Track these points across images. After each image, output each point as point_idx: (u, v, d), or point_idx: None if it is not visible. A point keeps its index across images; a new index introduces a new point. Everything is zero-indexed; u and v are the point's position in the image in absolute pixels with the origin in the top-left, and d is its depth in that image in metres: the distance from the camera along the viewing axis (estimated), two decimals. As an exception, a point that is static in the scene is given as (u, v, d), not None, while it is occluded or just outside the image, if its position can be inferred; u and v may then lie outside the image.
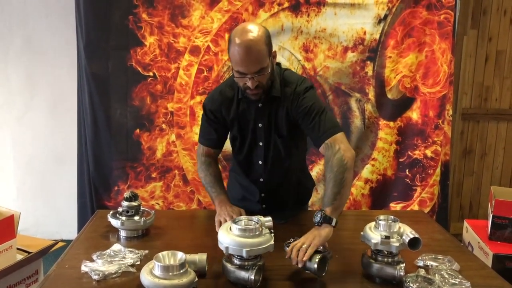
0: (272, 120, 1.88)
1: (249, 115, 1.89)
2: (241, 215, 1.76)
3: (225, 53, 3.13)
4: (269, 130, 1.89)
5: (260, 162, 1.96)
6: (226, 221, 1.73)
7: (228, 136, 2.04)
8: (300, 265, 1.45)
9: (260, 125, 1.89)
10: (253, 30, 1.68)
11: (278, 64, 1.92)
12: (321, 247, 1.51)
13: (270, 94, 1.83)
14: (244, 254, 1.37)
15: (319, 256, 1.43)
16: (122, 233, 1.80)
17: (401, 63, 3.20)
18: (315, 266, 1.41)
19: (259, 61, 1.68)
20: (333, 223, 1.55)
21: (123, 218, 1.79)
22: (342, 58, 3.19)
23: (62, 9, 3.37)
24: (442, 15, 3.14)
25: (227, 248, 1.39)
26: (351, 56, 3.19)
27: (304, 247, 1.47)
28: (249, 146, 1.94)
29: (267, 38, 1.72)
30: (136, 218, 1.80)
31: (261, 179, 1.99)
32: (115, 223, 1.78)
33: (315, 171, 3.29)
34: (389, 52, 3.19)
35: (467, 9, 3.58)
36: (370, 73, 3.22)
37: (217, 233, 1.47)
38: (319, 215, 1.56)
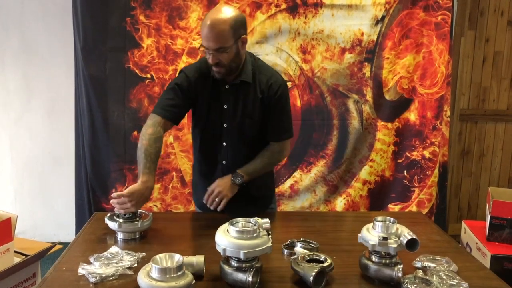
0: (240, 103, 1.96)
1: (217, 96, 1.97)
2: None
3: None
4: (234, 112, 1.97)
5: (224, 144, 2.02)
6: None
7: (192, 121, 2.10)
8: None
9: (225, 106, 1.97)
10: (224, 11, 1.82)
11: (253, 55, 2.03)
12: (323, 257, 1.52)
13: (239, 78, 1.94)
14: (241, 256, 1.36)
15: (317, 269, 1.42)
16: (120, 236, 1.80)
17: (398, 64, 3.21)
18: (311, 279, 1.40)
19: (219, 39, 1.79)
20: (238, 182, 1.94)
21: (121, 220, 1.78)
22: (340, 59, 3.19)
23: (59, 11, 3.36)
24: (439, 16, 3.15)
25: (224, 250, 1.38)
26: (348, 57, 3.19)
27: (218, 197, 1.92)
28: (214, 126, 2.01)
29: (236, 22, 1.82)
30: (134, 220, 1.80)
31: (224, 161, 2.04)
32: (112, 225, 1.78)
33: (313, 172, 3.29)
34: (386, 53, 3.19)
35: (464, 10, 3.58)
36: (367, 74, 3.22)
37: (214, 235, 1.46)
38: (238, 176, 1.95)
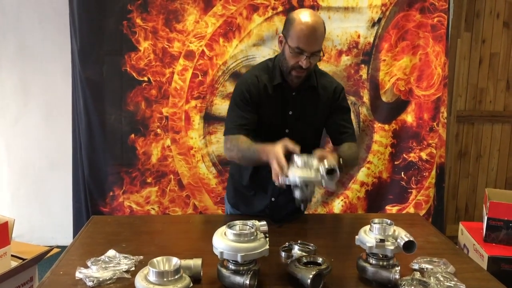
0: (305, 109, 1.92)
1: (281, 102, 1.91)
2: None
3: (220, 57, 3.13)
4: (299, 118, 1.93)
5: None
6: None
7: None
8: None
9: (290, 112, 1.92)
10: (315, 13, 1.81)
11: None
12: (320, 259, 1.52)
13: (307, 83, 1.89)
14: (239, 259, 1.36)
15: (314, 272, 1.42)
16: None
17: (395, 66, 3.21)
18: (308, 282, 1.40)
19: (320, 42, 1.78)
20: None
21: None
22: (337, 61, 3.19)
23: (56, 14, 3.36)
24: (435, 18, 3.16)
25: (221, 253, 1.38)
26: (345, 59, 3.19)
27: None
28: (274, 133, 1.89)
29: (325, 25, 1.82)
30: None
31: None
32: None
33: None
34: (383, 55, 3.20)
35: (460, 12, 3.60)
36: (364, 76, 3.23)
37: (212, 238, 1.46)
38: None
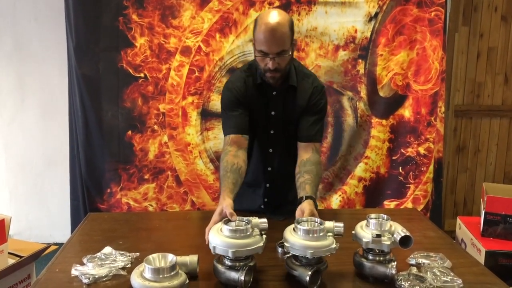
0: (287, 109, 1.93)
1: (264, 103, 1.93)
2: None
3: (217, 53, 3.12)
4: (281, 118, 1.94)
5: (271, 150, 2.00)
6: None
7: None
8: None
9: (273, 113, 1.94)
10: (280, 14, 1.78)
11: (295, 59, 2.00)
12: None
13: (287, 83, 1.90)
14: (230, 255, 1.36)
15: (313, 269, 1.41)
16: None
17: (392, 60, 3.20)
18: (307, 278, 1.39)
19: (281, 43, 1.75)
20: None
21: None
22: (334, 56, 3.18)
23: (51, 11, 3.35)
24: (432, 12, 3.14)
25: (214, 248, 1.38)
26: (342, 54, 3.18)
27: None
28: (260, 133, 1.96)
29: (291, 24, 1.80)
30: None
31: (269, 168, 2.02)
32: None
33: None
34: (380, 50, 3.19)
35: (458, 6, 3.58)
36: (361, 71, 3.22)
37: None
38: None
